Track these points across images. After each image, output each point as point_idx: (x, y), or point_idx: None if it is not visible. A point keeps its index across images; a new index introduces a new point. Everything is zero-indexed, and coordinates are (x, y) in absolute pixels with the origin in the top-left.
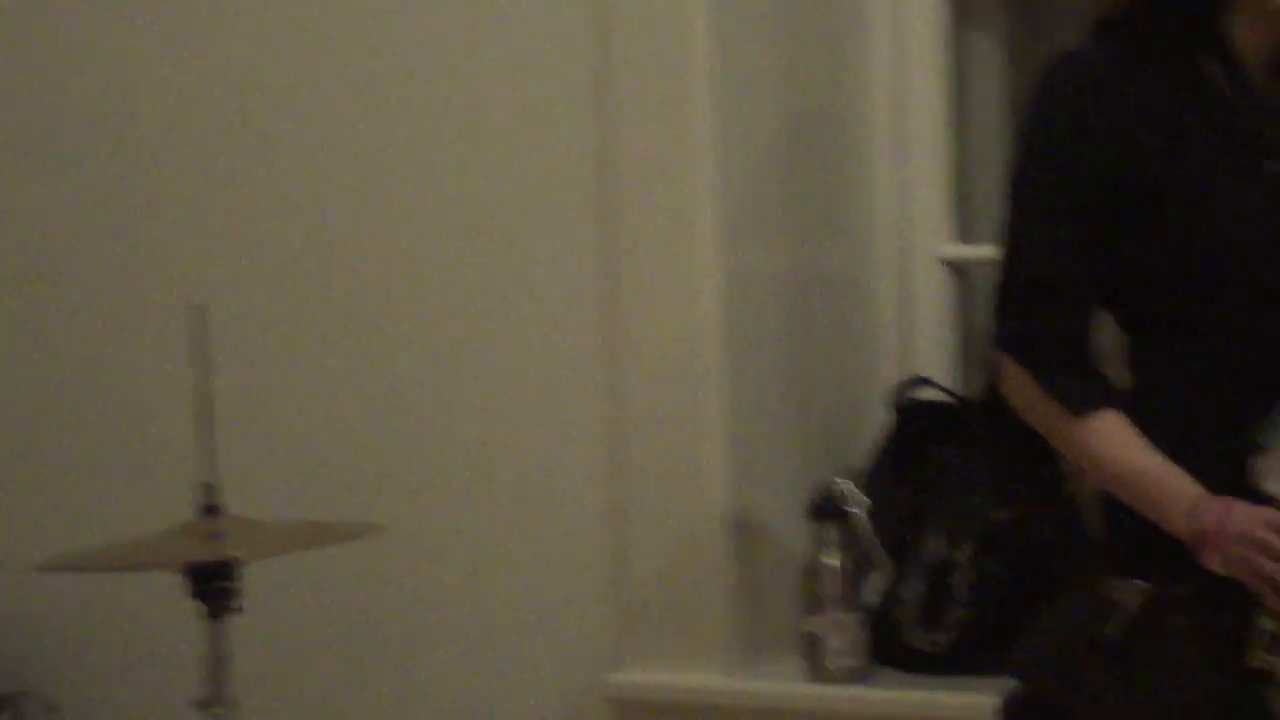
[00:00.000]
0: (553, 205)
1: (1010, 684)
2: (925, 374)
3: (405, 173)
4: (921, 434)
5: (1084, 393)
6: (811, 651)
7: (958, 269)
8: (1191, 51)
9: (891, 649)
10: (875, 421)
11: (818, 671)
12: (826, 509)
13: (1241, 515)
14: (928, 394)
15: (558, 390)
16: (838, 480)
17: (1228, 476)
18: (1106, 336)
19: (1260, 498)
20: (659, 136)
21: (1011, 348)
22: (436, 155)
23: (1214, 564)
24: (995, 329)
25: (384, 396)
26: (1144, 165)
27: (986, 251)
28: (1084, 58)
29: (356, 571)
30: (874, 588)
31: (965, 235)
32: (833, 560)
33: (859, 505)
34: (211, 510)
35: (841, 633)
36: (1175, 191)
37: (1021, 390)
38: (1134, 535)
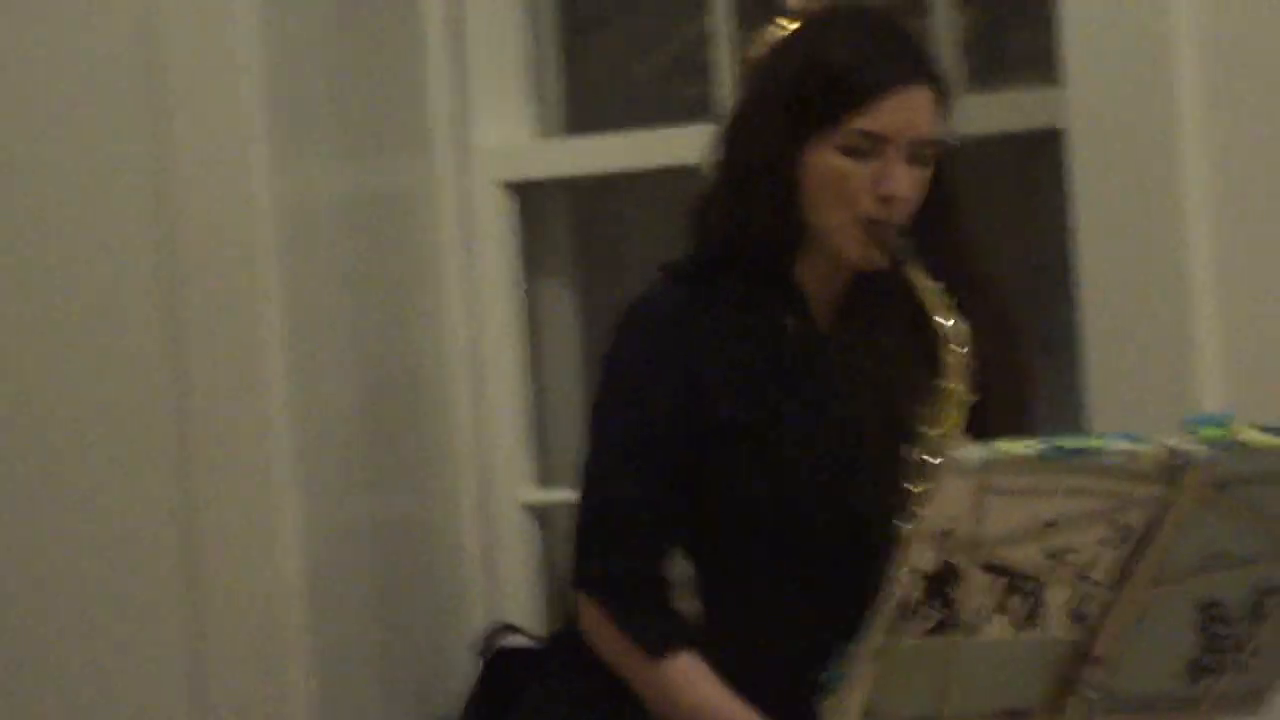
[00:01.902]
0: (132, 459)
1: None
2: (511, 620)
3: None
4: (510, 682)
5: (660, 633)
6: None
7: (540, 513)
8: (763, 296)
9: None
10: (464, 671)
11: None
12: None
13: None
14: (516, 640)
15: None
16: None
17: (795, 714)
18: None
19: None
20: (236, 404)
21: (589, 587)
22: None
23: None
24: (574, 569)
25: None
26: (714, 407)
27: (568, 494)
28: (658, 301)
29: None
30: None
31: (546, 479)
32: None
33: None
34: None
35: None
36: (745, 434)
37: (600, 630)
38: None
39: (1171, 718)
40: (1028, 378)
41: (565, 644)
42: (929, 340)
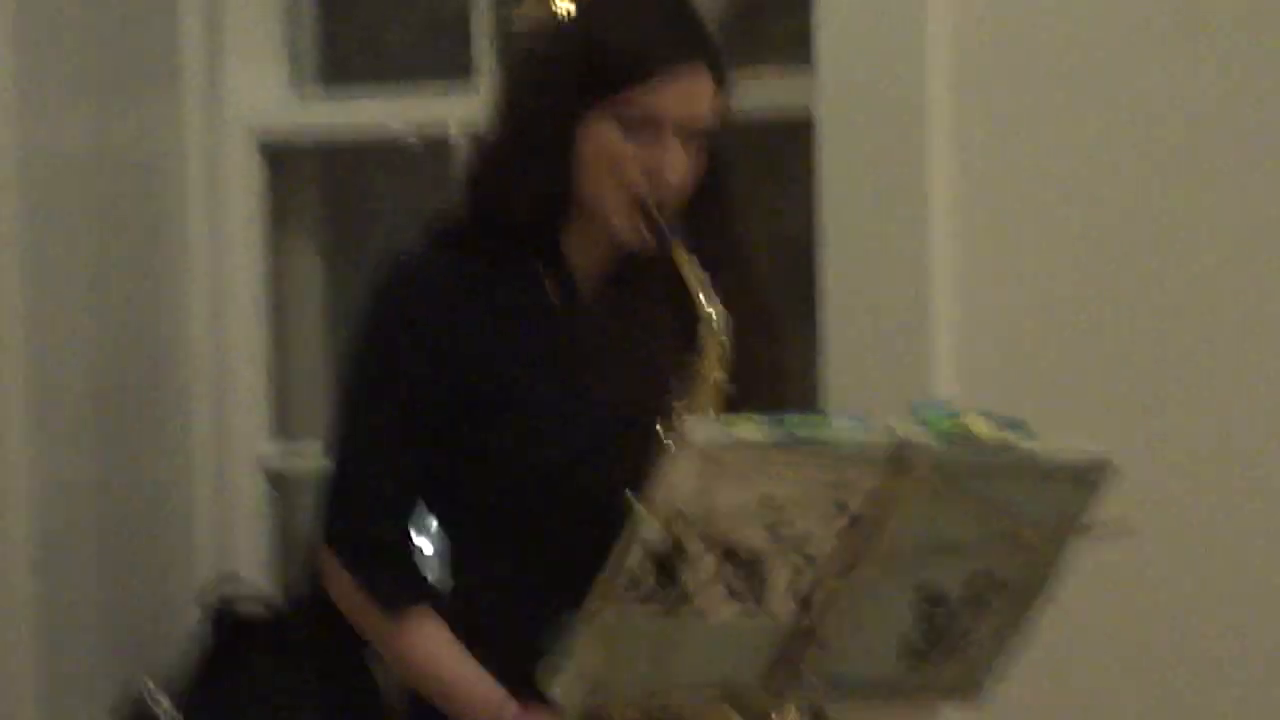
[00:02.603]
0: None
1: None
2: (233, 573)
3: None
4: (237, 644)
5: (400, 592)
6: None
7: (276, 472)
8: (528, 266)
9: None
10: (191, 629)
11: None
12: (130, 713)
13: None
14: (243, 597)
15: None
16: (148, 689)
17: (529, 682)
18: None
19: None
20: None
21: (332, 543)
22: None
23: None
24: (320, 527)
25: None
26: (468, 378)
27: (306, 450)
28: (418, 265)
29: None
30: None
31: (284, 435)
32: None
33: (163, 705)
34: None
35: None
36: (496, 404)
37: (342, 589)
38: None
39: (891, 704)
40: (783, 370)
41: (305, 609)
42: (690, 322)
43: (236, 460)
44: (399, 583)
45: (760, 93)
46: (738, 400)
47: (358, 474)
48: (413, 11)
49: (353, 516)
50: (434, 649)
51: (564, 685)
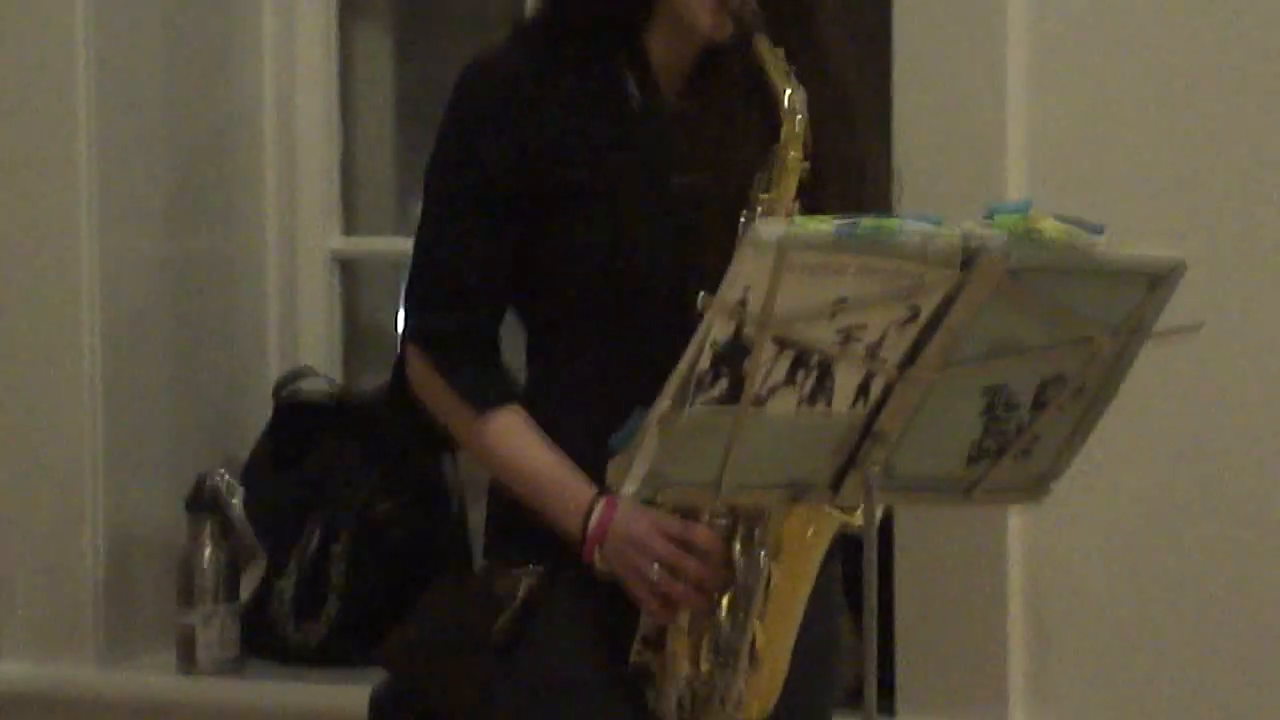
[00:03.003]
0: None
1: (383, 676)
2: (308, 367)
3: None
4: (304, 428)
5: (487, 389)
6: (185, 645)
7: (345, 262)
8: (609, 62)
9: (268, 642)
10: (259, 414)
11: (189, 664)
12: (203, 501)
13: (628, 517)
14: (312, 387)
15: None
16: (216, 473)
17: (602, 478)
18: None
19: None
20: (36, 125)
21: (419, 341)
22: None
23: (600, 563)
24: (404, 322)
25: None
26: (549, 171)
27: (374, 244)
28: (500, 60)
29: None
30: (251, 582)
31: (353, 228)
32: (209, 553)
33: (237, 498)
34: None
35: (215, 626)
36: (580, 198)
37: (427, 384)
38: (523, 522)
39: (950, 500)
40: (864, 166)
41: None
42: (773, 117)
43: (306, 250)
44: (486, 380)
45: None
46: (819, 194)
47: (442, 269)
48: None
49: (438, 313)
50: (522, 444)
51: (631, 480)
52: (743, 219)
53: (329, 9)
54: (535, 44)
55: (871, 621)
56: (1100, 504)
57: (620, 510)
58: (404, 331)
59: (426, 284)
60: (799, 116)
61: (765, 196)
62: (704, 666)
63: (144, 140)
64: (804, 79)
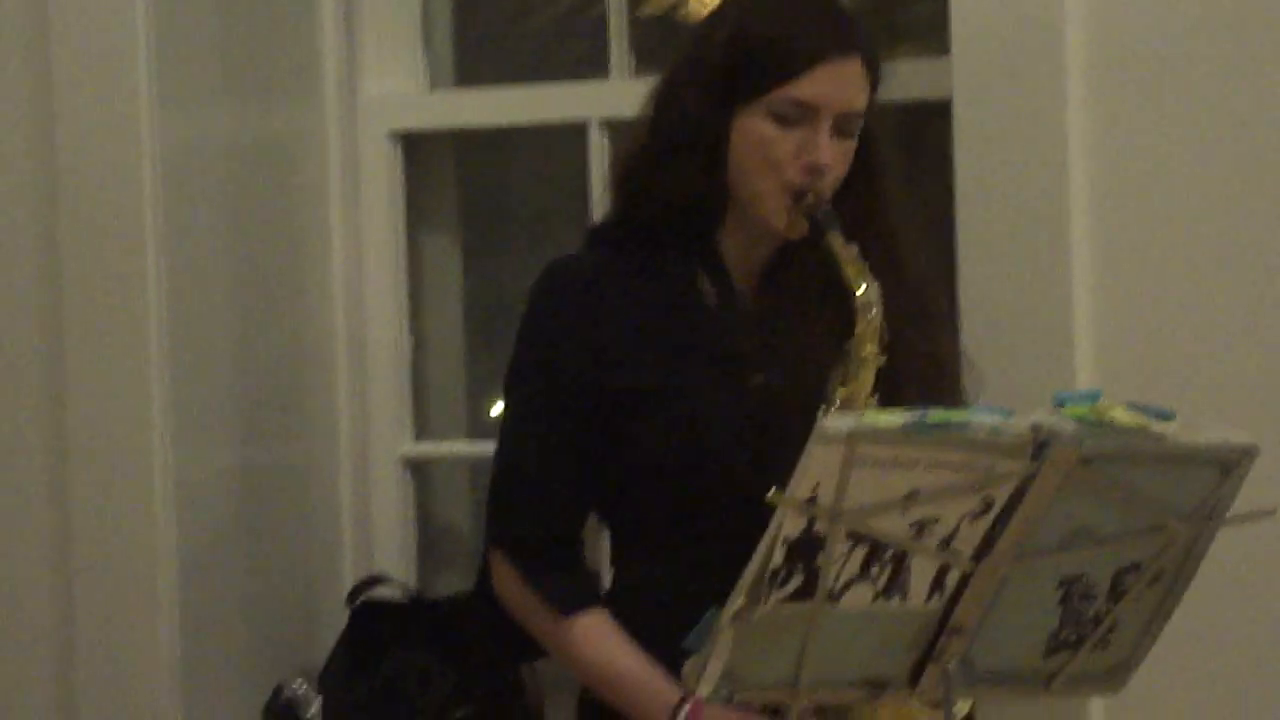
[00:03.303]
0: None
1: None
2: (381, 572)
3: None
4: (379, 634)
5: (570, 592)
6: None
7: (417, 467)
8: (684, 264)
9: None
10: (333, 622)
11: None
12: (280, 711)
13: (712, 717)
14: (385, 593)
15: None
16: (293, 682)
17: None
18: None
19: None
20: (112, 343)
21: (503, 547)
22: None
23: None
24: (488, 527)
25: None
26: (626, 373)
27: (446, 449)
28: (576, 263)
29: None
30: None
31: (424, 433)
32: None
33: (314, 707)
34: None
35: None
36: (657, 400)
37: (511, 590)
38: None
39: (1028, 692)
40: (941, 361)
41: (451, 604)
42: (848, 312)
43: (378, 457)
44: (570, 585)
45: (897, 79)
46: (897, 390)
47: (524, 476)
48: (545, 7)
49: (521, 519)
50: (607, 647)
51: (706, 681)
52: (819, 414)
53: (397, 217)
54: (610, 246)
55: None
56: (1184, 693)
57: (703, 711)
58: (488, 537)
59: (509, 489)
60: (874, 311)
61: (843, 390)
62: None
63: (216, 353)
64: (878, 274)
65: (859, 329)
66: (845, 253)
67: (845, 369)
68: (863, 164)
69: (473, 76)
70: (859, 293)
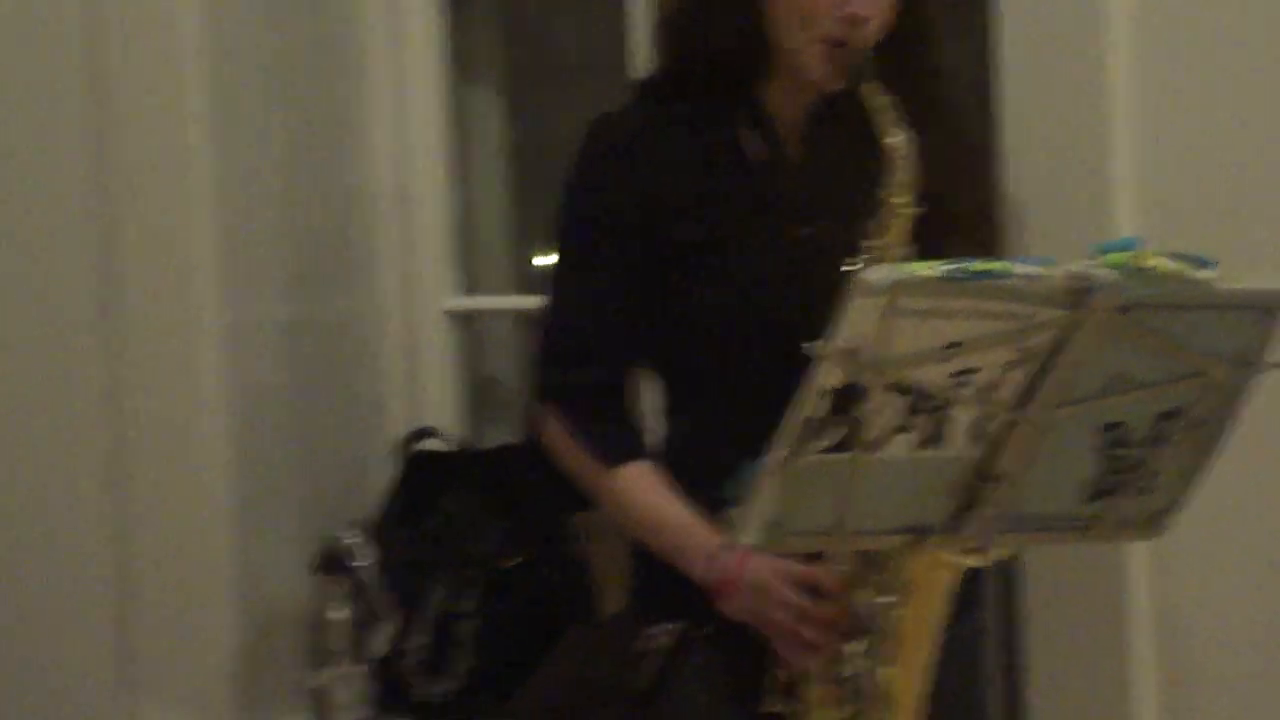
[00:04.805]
0: (51, 270)
1: None
2: (431, 425)
3: None
4: (430, 484)
5: (616, 443)
6: (319, 705)
7: (463, 320)
8: (728, 117)
9: (400, 700)
10: (383, 473)
11: None
12: (332, 562)
13: (755, 565)
14: (434, 445)
15: (60, 445)
16: (344, 533)
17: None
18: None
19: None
20: (160, 195)
21: (550, 397)
22: None
23: (731, 611)
24: (535, 378)
25: None
26: (673, 225)
27: (491, 302)
28: (622, 118)
29: None
30: (382, 639)
31: (470, 287)
32: (339, 613)
33: (365, 558)
34: None
35: (348, 686)
36: (703, 252)
37: (558, 440)
38: (661, 579)
39: (1068, 538)
40: (988, 211)
41: (500, 453)
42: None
43: (424, 310)
44: (615, 435)
45: None
46: (939, 240)
47: (572, 327)
48: None
49: (568, 370)
50: (651, 497)
51: (749, 530)
52: (849, 266)
53: (440, 72)
54: (655, 100)
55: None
56: (1233, 540)
57: (746, 558)
58: (535, 388)
59: (556, 341)
60: (906, 161)
61: (873, 244)
62: (835, 713)
63: (264, 208)
64: (919, 126)
65: (891, 179)
66: (879, 102)
67: (877, 220)
68: (908, 9)
69: None
70: (893, 141)
